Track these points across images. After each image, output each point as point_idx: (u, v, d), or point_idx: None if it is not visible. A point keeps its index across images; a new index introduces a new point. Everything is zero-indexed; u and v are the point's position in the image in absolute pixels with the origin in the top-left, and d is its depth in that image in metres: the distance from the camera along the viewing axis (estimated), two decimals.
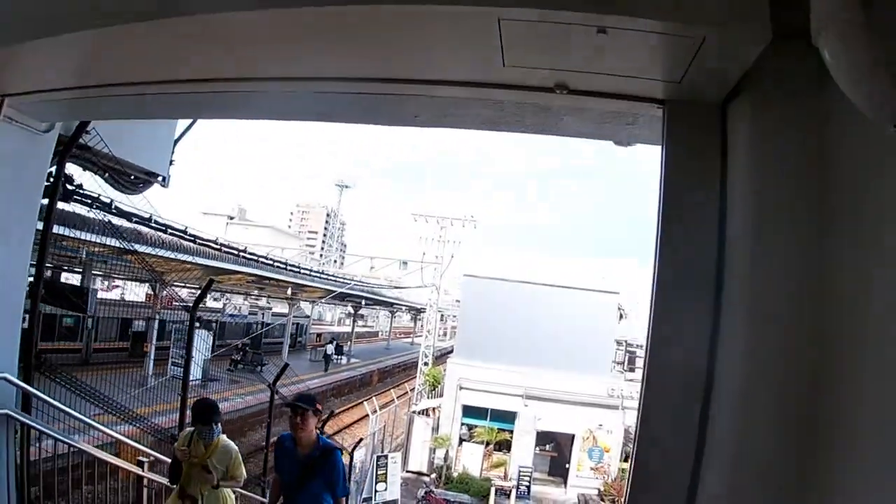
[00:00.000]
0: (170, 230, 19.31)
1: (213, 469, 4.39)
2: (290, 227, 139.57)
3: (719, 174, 1.96)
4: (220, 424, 4.51)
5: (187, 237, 20.23)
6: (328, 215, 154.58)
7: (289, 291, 27.51)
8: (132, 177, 5.88)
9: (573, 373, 20.80)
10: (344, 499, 4.32)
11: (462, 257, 31.63)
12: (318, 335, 51.74)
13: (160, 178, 6.06)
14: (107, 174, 5.54)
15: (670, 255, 1.97)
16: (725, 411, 1.79)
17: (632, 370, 21.98)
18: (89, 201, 8.17)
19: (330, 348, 40.79)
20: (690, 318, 1.92)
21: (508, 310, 21.80)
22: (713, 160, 1.98)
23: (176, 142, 6.29)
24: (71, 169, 5.62)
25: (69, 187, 5.88)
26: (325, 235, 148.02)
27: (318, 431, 4.46)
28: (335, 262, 74.78)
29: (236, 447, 4.68)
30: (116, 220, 11.28)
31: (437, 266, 32.35)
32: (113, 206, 10.44)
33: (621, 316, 23.59)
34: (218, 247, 22.79)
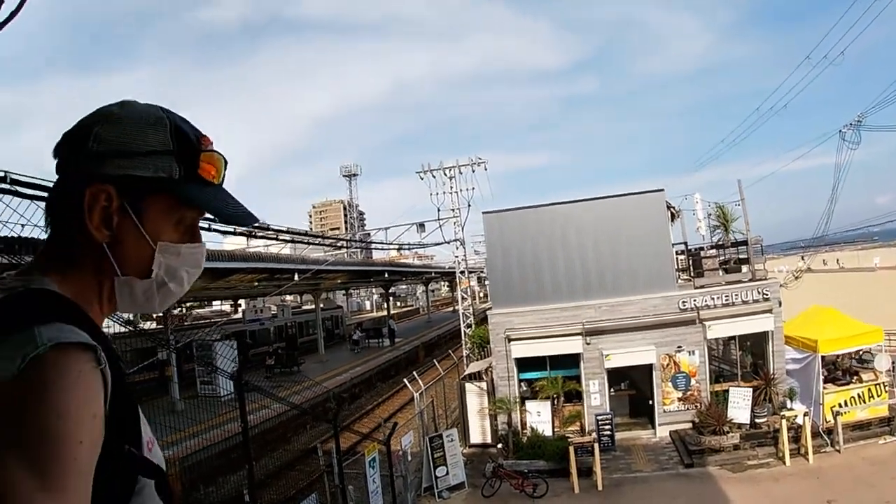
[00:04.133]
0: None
1: None
2: (311, 229, 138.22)
3: None
4: None
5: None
6: (345, 208, 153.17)
7: (295, 277, 24.84)
8: None
9: (634, 294, 17.74)
10: None
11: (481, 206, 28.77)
12: (359, 324, 50.07)
13: None
14: None
15: None
16: None
17: (700, 275, 18.68)
18: None
19: (357, 334, 39.71)
20: None
21: (542, 240, 18.72)
22: None
23: None
24: None
25: None
26: (347, 229, 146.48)
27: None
28: (361, 252, 74.22)
29: None
30: None
31: (455, 220, 29.52)
32: None
33: (673, 217, 20.29)
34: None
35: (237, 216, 1.17)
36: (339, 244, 37.49)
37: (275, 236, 21.61)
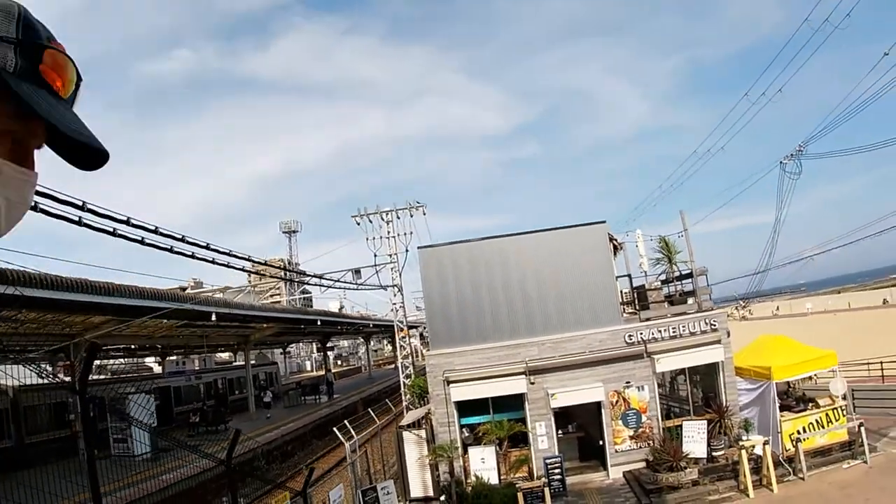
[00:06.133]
0: None
1: None
2: (250, 287, 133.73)
3: None
4: None
5: None
6: (285, 267, 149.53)
7: (212, 317, 22.94)
8: None
9: (578, 329, 16.95)
10: None
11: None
12: (298, 383, 48.09)
13: None
14: None
15: None
16: None
17: (645, 308, 18.08)
18: None
19: (268, 395, 37.93)
20: None
21: (481, 276, 17.84)
22: None
23: None
24: None
25: None
26: (286, 287, 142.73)
27: None
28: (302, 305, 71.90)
29: None
30: None
31: (393, 266, 28.40)
32: None
33: (616, 250, 19.80)
34: None
35: (81, 136, 0.80)
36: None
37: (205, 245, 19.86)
